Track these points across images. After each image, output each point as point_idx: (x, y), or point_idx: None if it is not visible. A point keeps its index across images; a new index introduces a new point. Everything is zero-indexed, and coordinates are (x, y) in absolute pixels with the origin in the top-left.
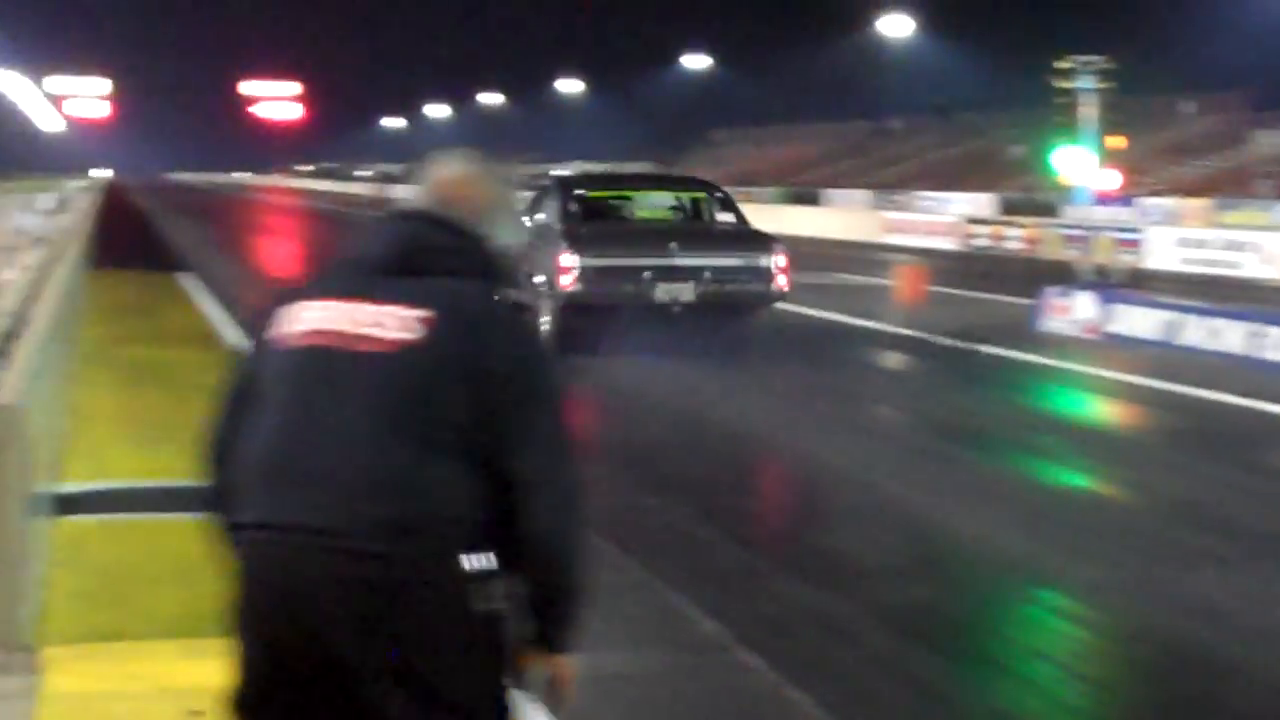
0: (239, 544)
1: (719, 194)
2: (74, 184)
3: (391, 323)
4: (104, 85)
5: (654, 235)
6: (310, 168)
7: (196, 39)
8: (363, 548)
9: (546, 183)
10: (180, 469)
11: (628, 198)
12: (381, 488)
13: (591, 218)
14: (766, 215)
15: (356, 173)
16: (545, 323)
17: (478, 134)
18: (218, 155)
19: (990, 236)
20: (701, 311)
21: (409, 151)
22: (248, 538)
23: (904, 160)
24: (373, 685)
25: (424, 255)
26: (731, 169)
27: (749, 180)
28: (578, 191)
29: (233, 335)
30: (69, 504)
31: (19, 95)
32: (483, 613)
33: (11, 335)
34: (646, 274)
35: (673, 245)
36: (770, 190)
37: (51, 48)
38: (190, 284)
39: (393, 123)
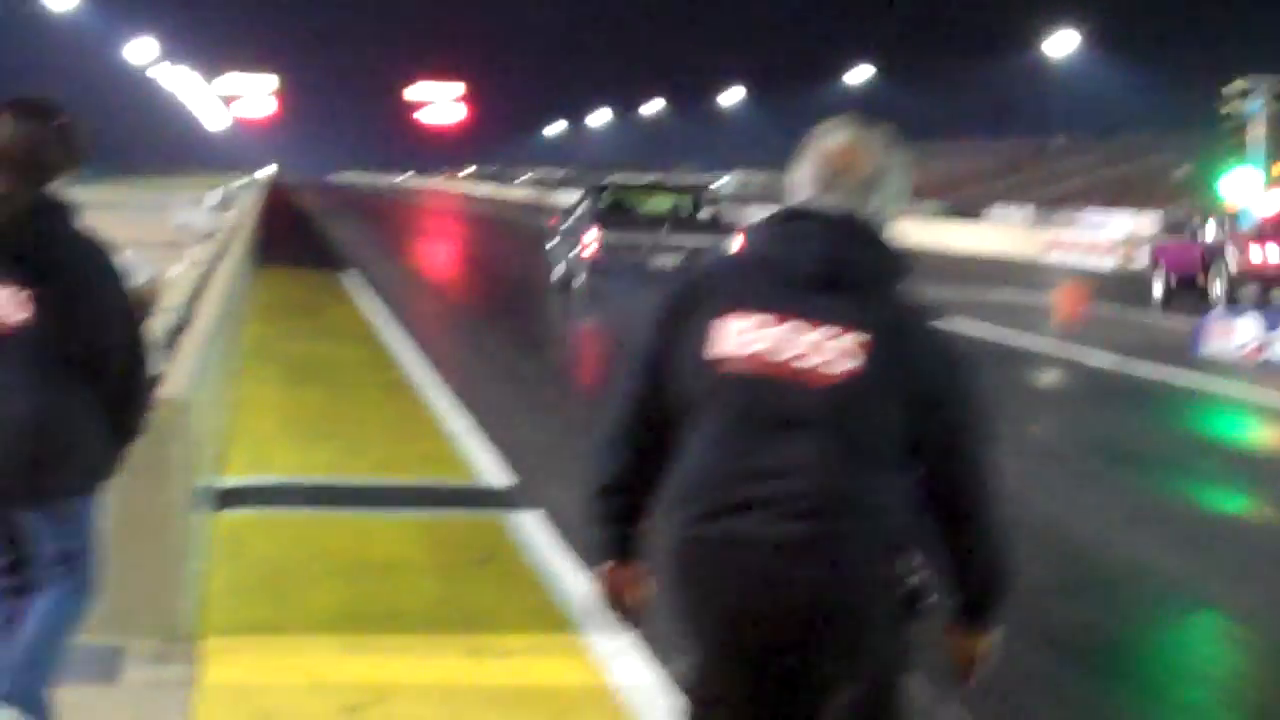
0: (692, 551)
1: (706, 195)
2: (238, 181)
3: (832, 350)
4: (270, 82)
5: (652, 223)
6: (470, 170)
7: (362, 39)
8: (824, 558)
9: (586, 189)
10: (340, 465)
11: (640, 198)
12: (835, 505)
13: (611, 210)
14: (926, 231)
15: (518, 178)
16: (579, 281)
17: (639, 142)
18: (379, 156)
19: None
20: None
21: (569, 157)
22: (710, 550)
23: (1066, 178)
24: (821, 670)
25: (847, 268)
26: None
27: (910, 194)
28: (605, 193)
29: (393, 334)
30: (230, 498)
31: (188, 92)
32: (911, 598)
33: (178, 330)
34: (644, 248)
35: (664, 230)
36: (930, 205)
37: (220, 45)
38: (352, 282)
39: (554, 129)
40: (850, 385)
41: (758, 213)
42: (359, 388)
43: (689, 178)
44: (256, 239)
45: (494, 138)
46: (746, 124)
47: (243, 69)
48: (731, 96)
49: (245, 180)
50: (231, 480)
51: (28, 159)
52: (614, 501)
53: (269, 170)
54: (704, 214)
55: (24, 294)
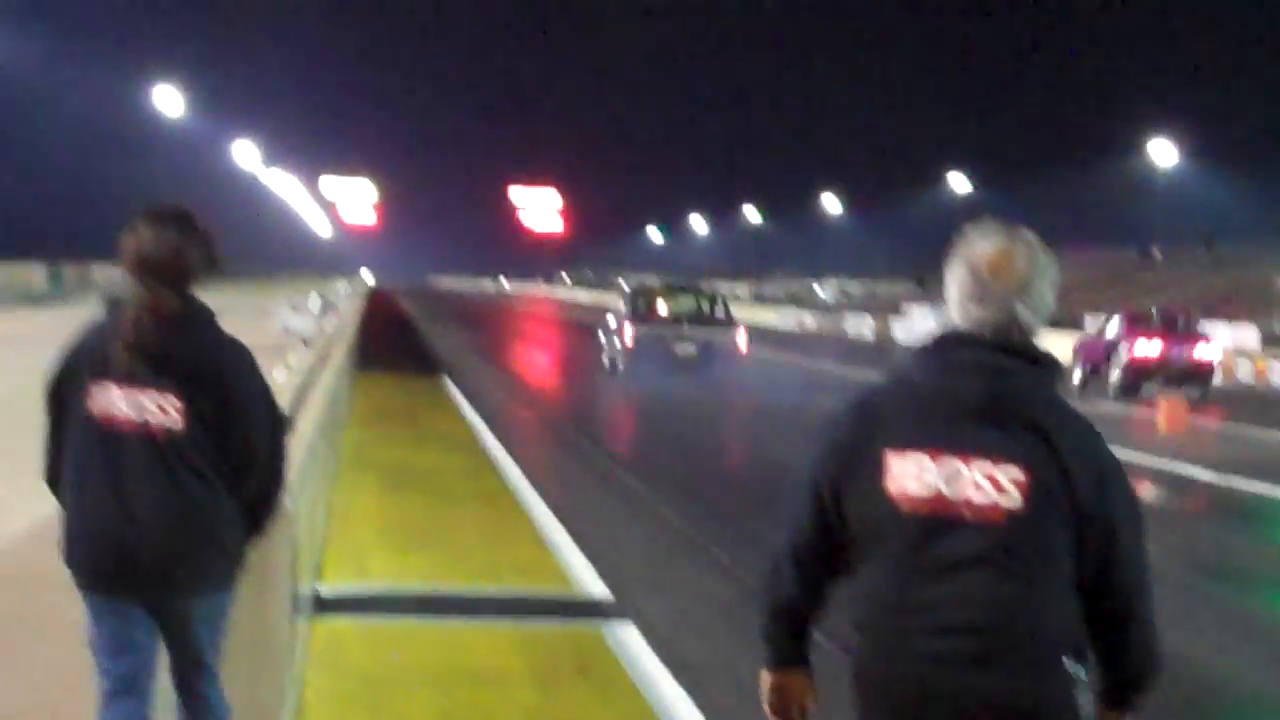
0: (872, 673)
1: (720, 299)
2: (339, 285)
3: (994, 487)
4: (369, 187)
5: (675, 319)
6: (568, 277)
7: (460, 144)
8: (999, 673)
9: (627, 291)
10: (437, 573)
11: (666, 299)
12: (1007, 631)
13: (643, 306)
14: None
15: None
16: (621, 365)
17: (736, 248)
18: (476, 261)
19: (1255, 369)
20: (700, 360)
21: (670, 264)
22: (890, 674)
23: (1168, 289)
24: None
25: (1006, 399)
26: None
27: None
28: (639, 295)
29: (491, 440)
30: (328, 605)
31: (292, 196)
32: (1074, 699)
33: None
34: (669, 338)
35: (684, 325)
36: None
37: (319, 149)
38: (450, 388)
39: (654, 234)
40: (1016, 522)
41: (784, 317)
42: (456, 495)
43: (705, 283)
44: (357, 344)
45: (592, 243)
46: (844, 231)
47: (341, 173)
48: (829, 204)
49: (345, 284)
50: (330, 587)
51: (168, 266)
52: (784, 621)
53: (366, 275)
54: (717, 312)
55: (176, 400)
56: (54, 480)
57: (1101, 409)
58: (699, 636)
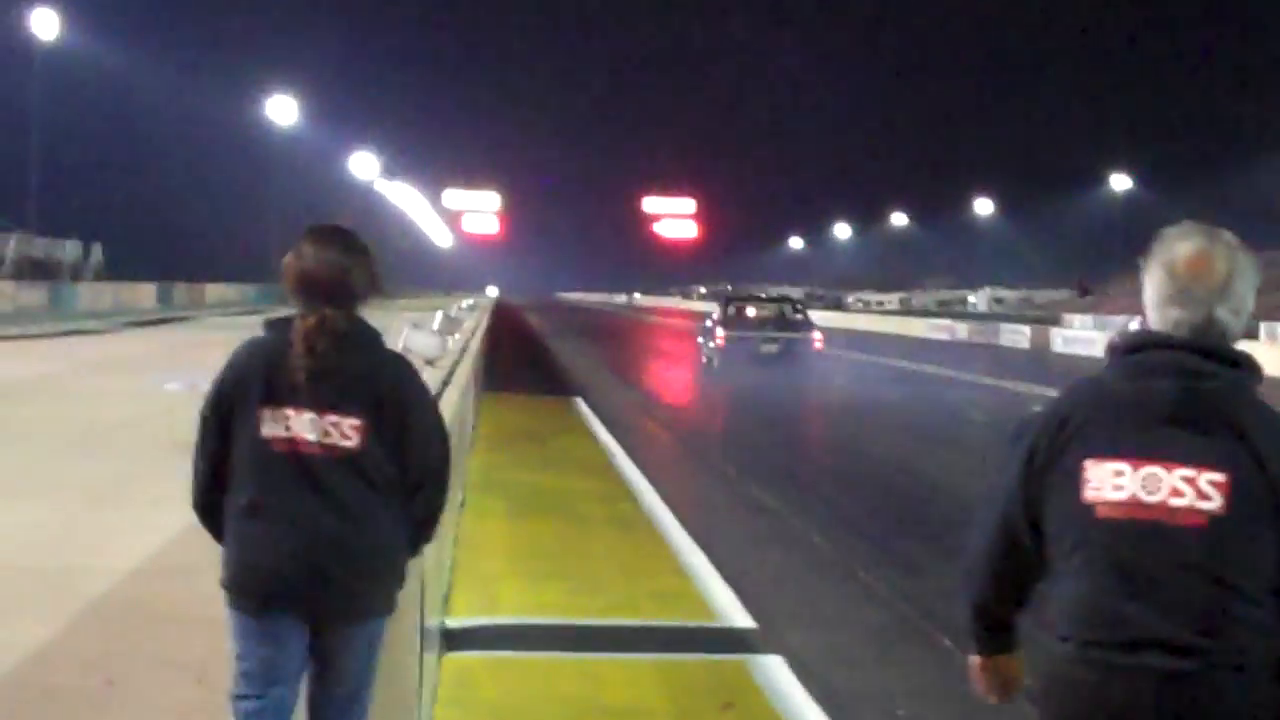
0: (1073, 678)
1: (798, 303)
2: (463, 301)
3: (1194, 492)
4: (493, 199)
5: (759, 322)
6: (703, 290)
7: (588, 153)
8: (1208, 689)
9: (720, 297)
10: (571, 605)
11: (752, 303)
12: (1214, 642)
13: (733, 313)
14: None
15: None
16: (716, 361)
17: (881, 256)
18: (608, 274)
19: None
20: (781, 357)
21: (810, 273)
22: (1093, 680)
23: None
24: None
25: (1203, 402)
26: None
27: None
28: (729, 304)
29: (625, 463)
30: (457, 639)
31: (416, 210)
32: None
33: None
34: (754, 339)
35: (768, 327)
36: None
37: (441, 161)
38: (581, 409)
39: (794, 243)
40: (1217, 527)
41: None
42: (590, 521)
43: (789, 290)
44: (483, 363)
45: (727, 254)
46: (997, 236)
47: (464, 186)
48: (981, 208)
49: (470, 301)
50: (458, 621)
51: (333, 285)
52: (985, 619)
53: (492, 290)
54: (796, 316)
55: (356, 421)
56: (206, 506)
57: None
58: (851, 668)
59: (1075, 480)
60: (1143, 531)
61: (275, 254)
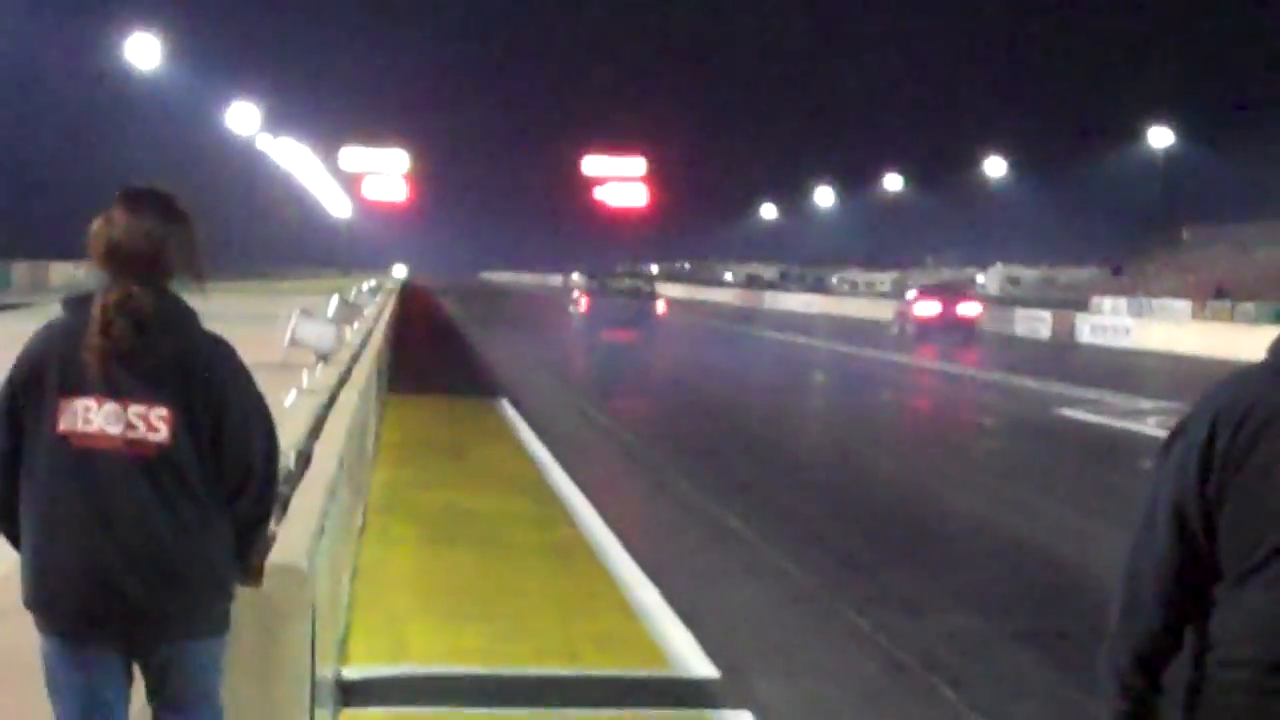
0: (1268, 705)
1: (653, 278)
2: (364, 284)
3: None
4: (401, 158)
5: (618, 291)
6: (655, 269)
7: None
8: None
9: (587, 277)
10: (495, 651)
11: (616, 278)
12: None
13: (598, 284)
14: (1249, 339)
15: (728, 276)
16: (578, 323)
17: (875, 228)
18: (541, 250)
19: None
20: (633, 318)
21: (786, 248)
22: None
23: None
24: None
25: None
26: (1204, 277)
27: (1229, 291)
28: (594, 279)
29: (561, 479)
30: (355, 692)
31: (306, 172)
32: None
33: (292, 478)
34: (612, 303)
35: (624, 294)
36: (1254, 307)
37: (337, 114)
38: (508, 414)
39: (767, 213)
40: None
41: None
42: (518, 550)
43: (760, 269)
44: (388, 359)
45: (686, 226)
46: (1013, 204)
47: (365, 143)
48: (993, 169)
49: (373, 283)
50: (357, 670)
51: (145, 258)
52: (1148, 673)
53: (400, 270)
54: (649, 289)
55: (164, 412)
56: (3, 515)
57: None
58: None
59: (1270, 481)
60: None
61: None
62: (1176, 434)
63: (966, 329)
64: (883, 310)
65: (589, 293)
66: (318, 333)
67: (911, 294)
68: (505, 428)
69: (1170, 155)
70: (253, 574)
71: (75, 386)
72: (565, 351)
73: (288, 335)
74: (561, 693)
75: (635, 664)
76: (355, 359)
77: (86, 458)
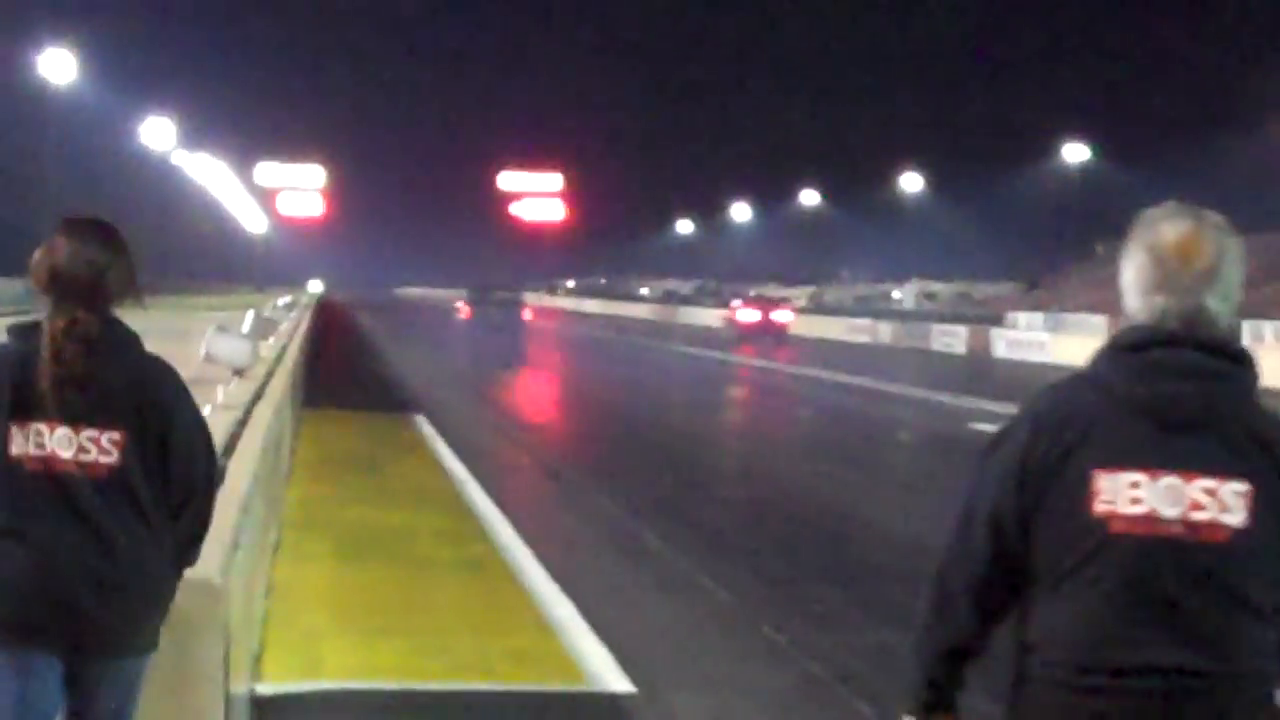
0: (1082, 705)
1: (519, 292)
2: (279, 299)
3: (1214, 504)
4: (318, 174)
5: (493, 303)
6: (571, 284)
7: (431, 126)
8: (1215, 710)
9: (468, 290)
10: (410, 667)
11: (492, 293)
12: (1227, 665)
13: (476, 297)
14: None
15: (644, 291)
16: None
17: (792, 243)
18: (457, 265)
19: None
20: (503, 323)
21: (701, 263)
22: (1105, 704)
23: None
24: None
25: (1215, 404)
26: (1119, 290)
27: None
28: (474, 291)
29: (476, 495)
30: (270, 709)
31: (222, 188)
32: None
33: None
34: (488, 311)
35: (496, 304)
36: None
37: (252, 131)
38: (425, 429)
39: (683, 228)
40: (1241, 542)
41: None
42: (434, 566)
43: (676, 285)
44: (303, 374)
45: (602, 241)
46: (928, 219)
47: (280, 159)
48: (909, 184)
49: (289, 298)
50: (272, 686)
51: (88, 284)
52: (951, 664)
53: (315, 285)
54: (517, 300)
55: (113, 434)
56: None
57: None
58: None
59: (1083, 491)
60: (1162, 548)
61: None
62: (998, 440)
63: (778, 332)
64: (800, 327)
65: (470, 304)
66: (232, 348)
67: (737, 303)
68: (420, 442)
69: (1085, 171)
70: (178, 578)
71: (26, 412)
72: (477, 364)
73: (202, 350)
74: (477, 708)
75: (552, 679)
76: (270, 374)
77: (39, 480)
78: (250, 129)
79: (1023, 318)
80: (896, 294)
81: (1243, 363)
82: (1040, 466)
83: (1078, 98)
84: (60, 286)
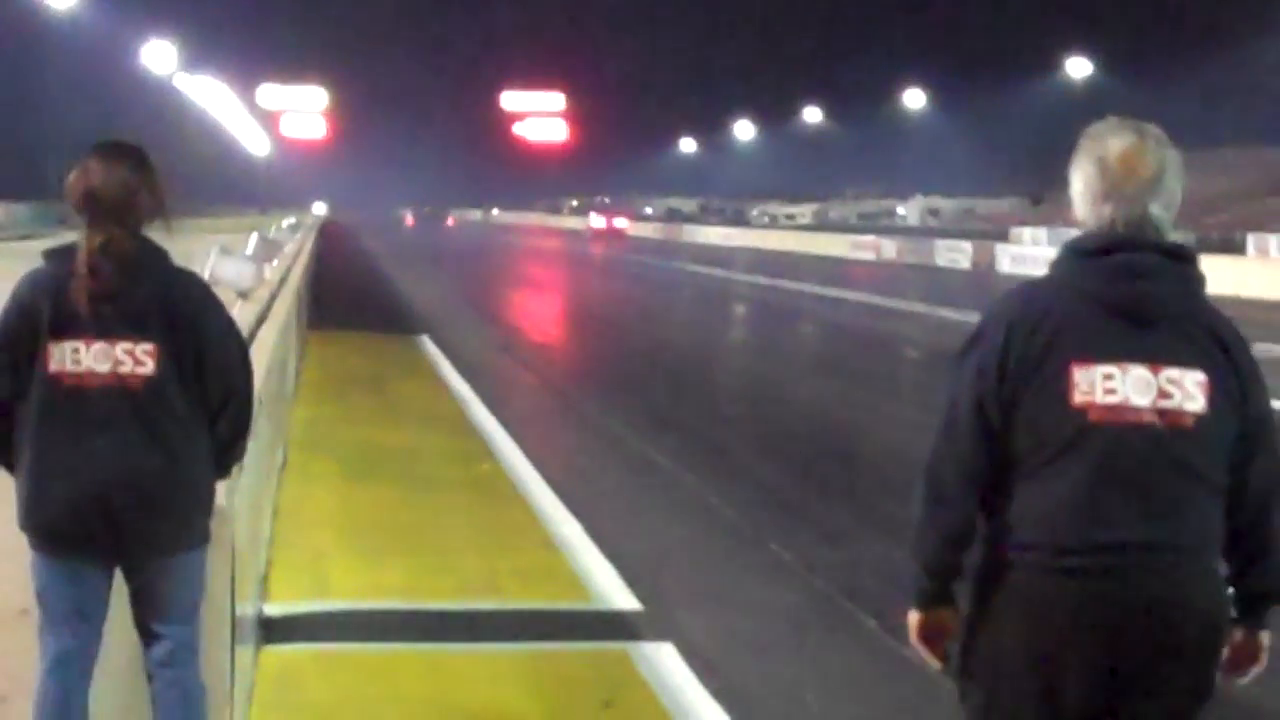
0: (1060, 584)
1: (446, 208)
2: (284, 221)
3: (1179, 393)
4: (320, 95)
5: (427, 214)
6: (575, 203)
7: (434, 47)
8: (1184, 567)
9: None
10: (417, 586)
11: (427, 208)
12: (1192, 539)
13: (418, 208)
14: None
15: (648, 210)
16: (409, 228)
17: (795, 161)
18: (461, 186)
19: None
20: (432, 227)
21: (706, 182)
22: (1085, 582)
23: None
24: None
25: (1173, 301)
26: None
27: None
28: (424, 208)
29: (482, 414)
30: (277, 629)
31: (224, 110)
32: (1225, 600)
33: None
34: (423, 219)
35: (428, 216)
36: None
37: (254, 52)
38: (429, 350)
39: (686, 147)
40: (1201, 426)
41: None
42: (440, 486)
43: (678, 203)
44: (308, 296)
45: (606, 160)
46: (932, 136)
47: (283, 81)
48: (912, 100)
49: (293, 220)
50: (278, 607)
51: (122, 205)
52: (955, 554)
53: (320, 207)
54: (444, 213)
55: (149, 346)
56: (2, 448)
57: None
58: (754, 656)
59: (1061, 384)
60: (1135, 434)
61: (52, 165)
62: (972, 342)
63: (617, 234)
64: (794, 241)
65: (414, 217)
66: (237, 270)
67: (592, 215)
68: (425, 363)
69: (1088, 85)
70: (226, 476)
71: (63, 330)
72: (481, 285)
73: (206, 273)
74: (484, 627)
75: (558, 597)
76: (274, 295)
77: (77, 394)
78: (252, 51)
79: (1027, 232)
80: (900, 210)
81: (1193, 263)
82: (1019, 363)
83: (1080, 10)
84: (95, 206)
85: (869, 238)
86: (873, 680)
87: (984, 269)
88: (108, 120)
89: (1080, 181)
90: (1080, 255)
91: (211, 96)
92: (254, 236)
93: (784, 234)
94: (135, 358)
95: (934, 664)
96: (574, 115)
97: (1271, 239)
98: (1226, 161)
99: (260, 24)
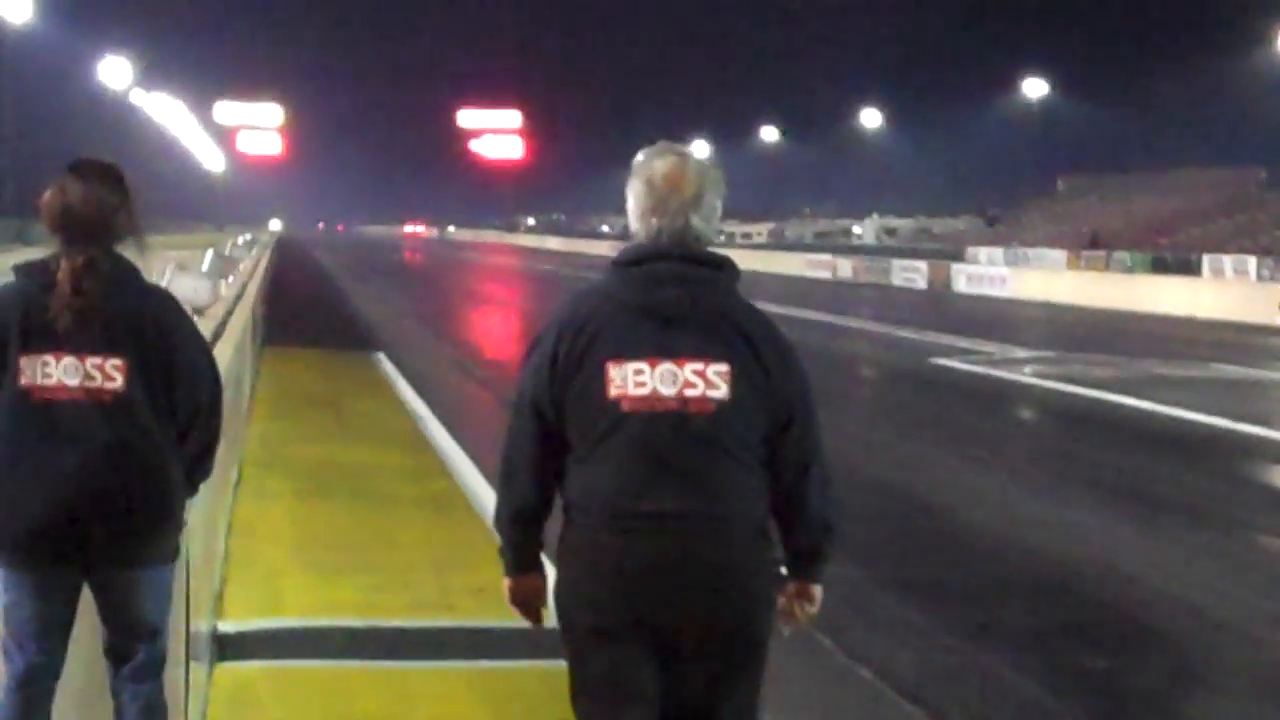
0: (609, 546)
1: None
2: (239, 238)
3: (703, 383)
4: (275, 114)
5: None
6: (531, 221)
7: (391, 64)
8: (715, 529)
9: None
10: (371, 603)
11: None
12: (721, 505)
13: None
14: (1123, 288)
15: (604, 228)
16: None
17: (755, 179)
18: (417, 203)
19: None
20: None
21: None
22: (625, 545)
23: None
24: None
25: (700, 303)
26: (1079, 226)
27: (1104, 241)
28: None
29: (438, 432)
30: (231, 646)
31: (180, 127)
32: (769, 564)
33: None
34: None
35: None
36: (1129, 256)
37: (210, 69)
38: (384, 367)
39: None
40: (724, 410)
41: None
42: (395, 503)
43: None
44: (262, 313)
45: (561, 178)
46: (887, 155)
47: (239, 98)
48: (869, 120)
49: (248, 236)
50: (233, 624)
51: (99, 224)
52: (524, 527)
53: (275, 224)
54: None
55: (116, 361)
56: None
57: None
58: None
59: (599, 380)
60: (663, 419)
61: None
62: (536, 342)
63: (422, 240)
64: (750, 259)
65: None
66: (193, 287)
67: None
68: (381, 380)
69: (1044, 106)
70: (194, 494)
71: (33, 344)
72: (440, 302)
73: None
74: (439, 645)
75: (513, 616)
76: (230, 312)
77: (47, 408)
78: (208, 68)
79: (983, 252)
80: (857, 230)
81: (723, 268)
82: (566, 362)
83: (1036, 33)
84: (71, 225)
85: (825, 257)
86: (829, 700)
87: (940, 288)
88: (62, 136)
89: (632, 199)
90: (619, 266)
91: (167, 113)
92: (209, 253)
93: (740, 253)
94: (105, 372)
95: (530, 623)
96: (530, 132)
97: (1226, 260)
98: (1180, 182)
99: (217, 41)
